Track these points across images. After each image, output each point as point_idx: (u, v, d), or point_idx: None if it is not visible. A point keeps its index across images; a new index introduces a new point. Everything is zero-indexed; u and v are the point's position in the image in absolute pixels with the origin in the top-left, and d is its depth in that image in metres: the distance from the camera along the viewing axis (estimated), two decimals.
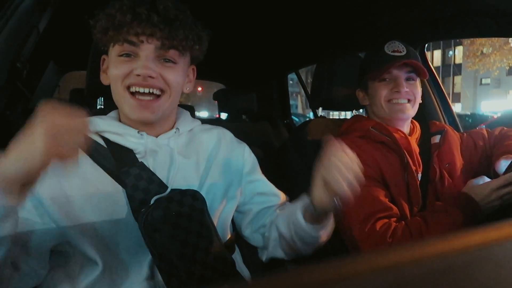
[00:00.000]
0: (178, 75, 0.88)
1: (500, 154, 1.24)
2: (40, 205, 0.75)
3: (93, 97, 1.20)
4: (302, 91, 3.12)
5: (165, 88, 0.86)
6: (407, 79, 1.26)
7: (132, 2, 0.83)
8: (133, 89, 0.84)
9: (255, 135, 1.83)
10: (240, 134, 1.10)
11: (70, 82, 3.47)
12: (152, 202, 0.81)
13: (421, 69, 1.25)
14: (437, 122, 1.41)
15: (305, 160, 1.38)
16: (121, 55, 0.85)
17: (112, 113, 0.94)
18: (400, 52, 1.26)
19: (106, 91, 0.89)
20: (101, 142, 0.86)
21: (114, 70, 0.85)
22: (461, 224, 1.07)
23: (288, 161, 1.43)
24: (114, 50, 0.85)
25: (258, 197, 1.05)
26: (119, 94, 0.85)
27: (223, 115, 2.79)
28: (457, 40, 21.71)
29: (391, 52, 1.26)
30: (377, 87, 1.29)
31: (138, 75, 0.83)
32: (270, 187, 1.08)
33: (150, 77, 0.83)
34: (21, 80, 1.06)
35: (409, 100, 1.25)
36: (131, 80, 0.83)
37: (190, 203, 0.84)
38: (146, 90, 0.84)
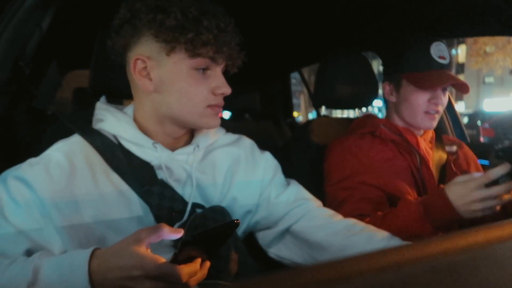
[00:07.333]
0: None
1: None
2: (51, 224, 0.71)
3: (97, 96, 1.20)
4: (305, 90, 3.12)
5: None
6: (444, 89, 1.20)
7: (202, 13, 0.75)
8: (213, 107, 0.81)
9: (258, 134, 1.82)
10: (243, 133, 1.10)
11: (73, 81, 3.47)
12: (187, 224, 0.76)
13: (464, 86, 1.17)
14: (451, 137, 1.37)
15: (308, 159, 1.37)
16: (197, 69, 0.77)
17: (128, 110, 0.87)
18: (445, 59, 1.17)
19: (109, 90, 0.89)
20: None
21: (192, 88, 0.77)
22: (422, 224, 0.93)
23: (291, 160, 1.43)
24: (187, 61, 0.76)
25: (292, 208, 0.95)
26: (197, 113, 0.79)
27: (226, 114, 2.78)
28: (460, 39, 21.61)
29: (438, 57, 1.16)
30: (414, 93, 1.18)
31: (218, 94, 0.80)
32: (301, 192, 0.98)
33: None
34: (24, 79, 1.06)
35: (438, 111, 1.20)
36: (213, 101, 0.80)
37: (222, 219, 0.81)
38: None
